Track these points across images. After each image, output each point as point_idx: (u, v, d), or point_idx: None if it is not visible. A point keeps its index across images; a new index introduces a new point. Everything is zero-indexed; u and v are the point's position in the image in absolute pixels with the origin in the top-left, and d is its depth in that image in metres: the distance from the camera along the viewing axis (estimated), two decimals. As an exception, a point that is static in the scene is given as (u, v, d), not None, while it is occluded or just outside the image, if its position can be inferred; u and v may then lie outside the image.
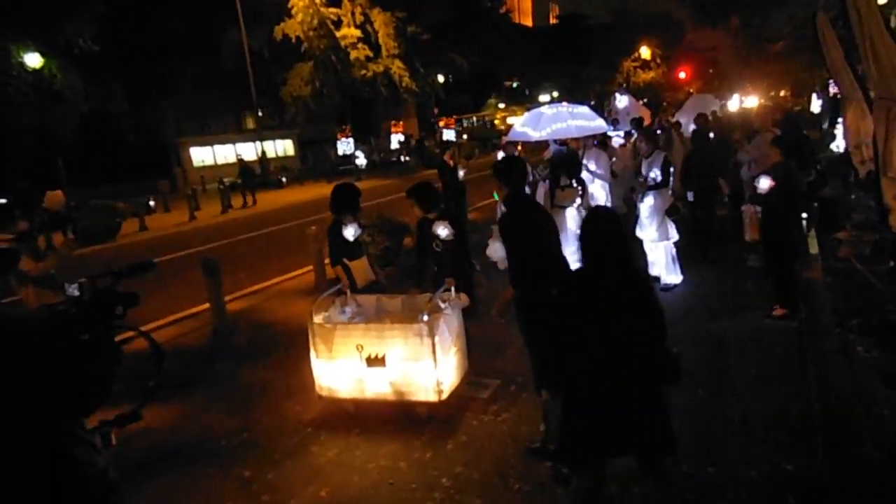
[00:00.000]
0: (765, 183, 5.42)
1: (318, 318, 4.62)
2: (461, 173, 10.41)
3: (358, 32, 28.14)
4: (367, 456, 4.00)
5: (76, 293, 2.09)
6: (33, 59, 20.57)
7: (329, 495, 3.63)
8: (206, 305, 7.16)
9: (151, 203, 21.40)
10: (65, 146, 25.11)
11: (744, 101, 29.58)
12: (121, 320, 2.10)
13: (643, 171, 6.88)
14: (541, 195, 6.89)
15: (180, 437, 4.59)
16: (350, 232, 4.95)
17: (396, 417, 4.34)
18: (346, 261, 5.00)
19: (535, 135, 9.05)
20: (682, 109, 20.52)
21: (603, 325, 2.61)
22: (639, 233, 6.99)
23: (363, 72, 28.61)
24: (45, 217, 5.95)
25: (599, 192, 8.16)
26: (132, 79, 27.63)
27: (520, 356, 5.31)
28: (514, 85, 56.16)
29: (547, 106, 11.15)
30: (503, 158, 6.15)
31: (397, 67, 28.95)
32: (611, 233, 2.69)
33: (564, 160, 7.34)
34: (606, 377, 2.60)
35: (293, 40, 27.28)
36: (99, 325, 2.04)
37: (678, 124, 15.76)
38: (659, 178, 6.71)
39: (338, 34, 27.98)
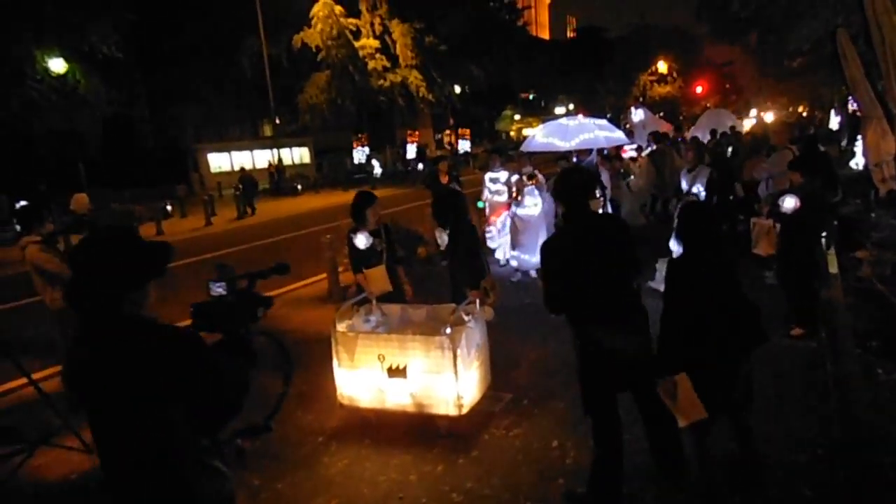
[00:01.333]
0: (790, 203, 5.31)
1: (341, 326, 4.60)
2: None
3: (376, 43, 28.40)
4: (378, 468, 3.97)
5: (223, 292, 1.98)
6: (57, 65, 20.94)
7: (339, 507, 3.61)
8: (220, 311, 7.18)
9: (168, 207, 21.62)
10: (86, 150, 25.50)
11: (763, 117, 29.40)
12: (257, 323, 2.04)
13: (685, 184, 6.78)
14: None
15: (191, 443, 4.59)
16: (360, 240, 4.95)
17: (410, 429, 4.31)
18: (363, 269, 5.02)
19: (564, 145, 9.15)
20: (697, 124, 20.45)
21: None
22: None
23: (380, 81, 28.83)
24: (70, 219, 6.00)
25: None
26: (153, 84, 28.06)
27: (534, 369, 5.28)
28: (531, 97, 56.29)
29: (565, 118, 11.22)
30: (561, 172, 5.89)
31: (414, 78, 29.15)
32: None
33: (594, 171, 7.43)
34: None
35: (312, 49, 27.54)
36: (242, 328, 1.99)
37: (694, 139, 15.71)
38: (703, 195, 6.61)
39: (356, 44, 28.26)
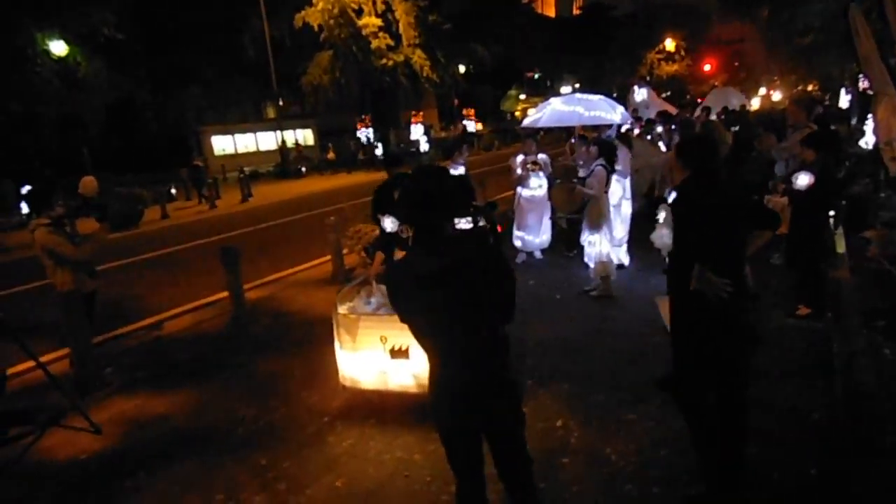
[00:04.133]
0: (804, 179, 5.23)
1: (342, 309, 4.60)
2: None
3: (379, 21, 28.03)
4: (383, 447, 3.99)
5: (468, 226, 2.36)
6: (58, 47, 20.81)
7: (345, 486, 3.63)
8: (225, 294, 7.21)
9: (173, 191, 21.62)
10: (90, 134, 25.45)
11: (771, 96, 29.03)
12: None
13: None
14: (594, 183, 6.73)
15: (197, 424, 4.63)
16: (388, 224, 4.94)
17: (413, 410, 4.32)
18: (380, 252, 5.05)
19: (587, 115, 9.12)
20: (704, 103, 20.22)
21: None
22: None
23: (384, 61, 28.52)
24: (79, 202, 6.00)
25: (615, 188, 7.92)
26: (155, 67, 27.88)
27: (538, 350, 5.29)
28: (536, 76, 55.70)
29: (578, 94, 11.24)
30: (691, 136, 5.41)
31: (418, 57, 28.83)
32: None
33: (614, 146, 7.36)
34: None
35: (314, 28, 27.26)
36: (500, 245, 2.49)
37: (685, 120, 15.51)
38: None
39: (359, 23, 27.91)
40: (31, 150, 25.46)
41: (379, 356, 4.34)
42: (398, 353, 4.27)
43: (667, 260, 3.47)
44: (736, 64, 51.37)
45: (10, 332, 4.24)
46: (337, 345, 4.55)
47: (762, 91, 44.41)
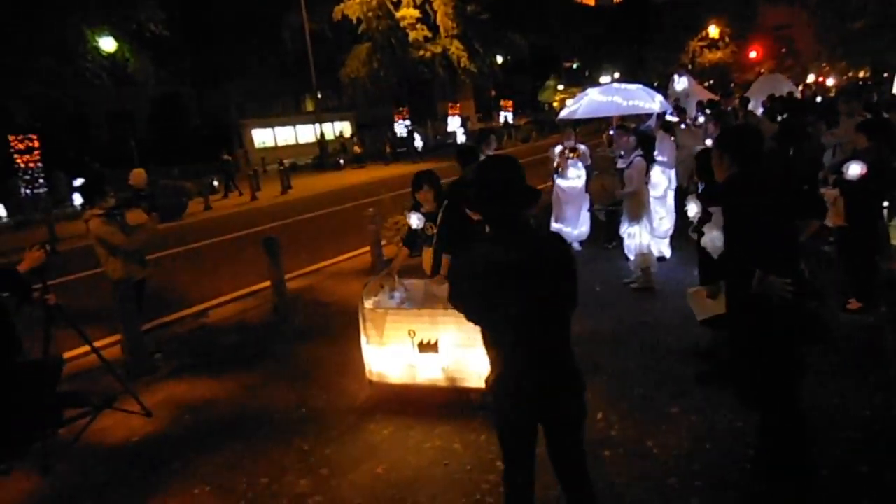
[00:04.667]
0: (856, 169, 5.02)
1: (368, 303, 4.59)
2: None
3: (417, 13, 28.08)
4: (422, 436, 4.03)
5: None
6: (108, 44, 21.47)
7: (385, 472, 3.69)
8: (267, 283, 7.36)
9: (215, 183, 22.10)
10: (136, 128, 26.24)
11: (823, 83, 28.00)
12: None
13: None
14: (634, 174, 6.62)
15: (242, 409, 4.76)
16: (413, 220, 4.96)
17: (448, 402, 4.35)
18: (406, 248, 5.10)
19: (625, 104, 8.99)
20: (751, 90, 19.62)
21: None
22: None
23: (421, 52, 28.58)
24: (130, 193, 6.20)
25: (661, 179, 7.80)
26: (198, 62, 28.53)
27: (575, 343, 5.24)
28: (574, 66, 54.95)
29: (616, 83, 11.08)
30: (735, 127, 5.22)
31: (455, 48, 28.79)
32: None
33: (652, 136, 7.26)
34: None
35: (353, 21, 27.46)
36: None
37: (745, 100, 15.01)
38: None
39: (397, 14, 28.00)
40: (81, 144, 26.40)
41: (407, 350, 4.33)
42: (427, 347, 4.25)
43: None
44: (783, 50, 49.73)
45: (66, 319, 4.42)
46: (363, 339, 4.53)
47: (811, 78, 42.87)
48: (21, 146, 20.27)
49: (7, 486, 3.99)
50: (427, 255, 5.14)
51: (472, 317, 2.47)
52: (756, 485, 3.19)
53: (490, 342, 2.47)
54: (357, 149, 31.04)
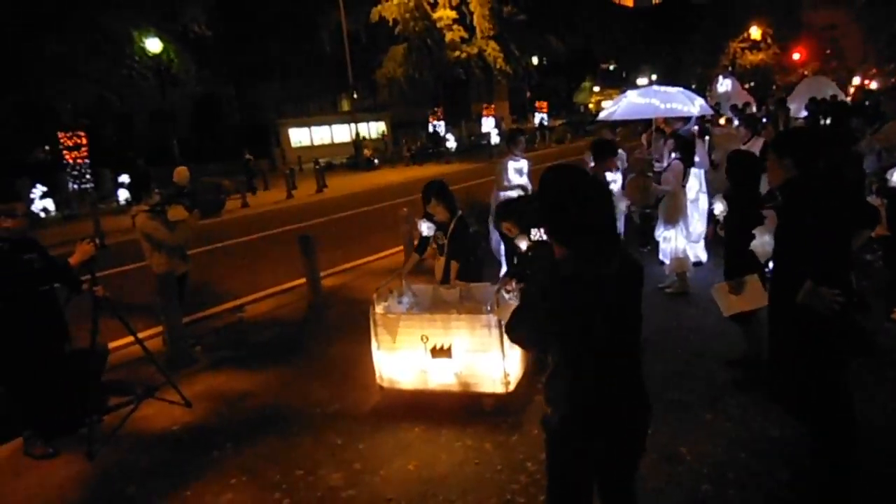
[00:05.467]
0: None
1: (380, 308, 4.55)
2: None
3: (454, 14, 28.17)
4: (454, 435, 4.07)
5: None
6: (154, 45, 22.11)
7: (417, 469, 3.73)
8: (302, 280, 7.50)
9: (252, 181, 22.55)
10: (177, 126, 26.94)
11: (868, 86, 27.15)
12: None
13: None
14: (671, 178, 6.54)
15: (277, 402, 4.86)
16: (423, 228, 5.01)
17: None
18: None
19: (663, 107, 8.90)
20: (794, 93, 19.15)
21: None
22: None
23: (457, 53, 28.65)
24: (173, 190, 6.41)
25: (692, 182, 7.62)
26: (238, 62, 29.12)
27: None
28: (611, 67, 54.36)
29: (655, 86, 10.97)
30: (795, 130, 5.14)
31: (492, 49, 28.79)
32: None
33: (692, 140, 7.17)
34: None
35: (389, 22, 27.68)
36: None
37: (783, 103, 14.70)
38: None
39: (433, 16, 28.12)
40: (125, 142, 27.22)
41: (419, 356, 4.31)
42: (440, 353, 4.24)
43: (769, 267, 3.31)
44: (828, 52, 48.33)
45: (112, 310, 4.59)
46: (374, 345, 4.50)
47: (856, 80, 41.60)
48: (70, 143, 21.03)
49: (55, 468, 4.16)
50: (438, 263, 5.19)
51: (541, 344, 2.25)
52: (795, 497, 3.14)
53: (562, 371, 2.19)
54: (367, 152, 30.88)
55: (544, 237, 4.21)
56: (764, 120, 10.41)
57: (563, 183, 2.16)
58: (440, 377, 4.33)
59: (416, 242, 5.44)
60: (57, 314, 4.41)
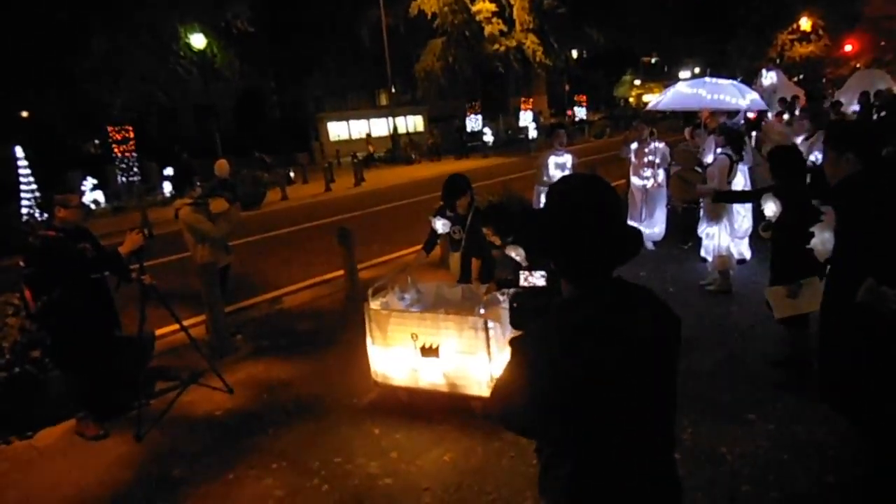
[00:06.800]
0: None
1: (374, 304, 4.52)
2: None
3: (493, 6, 27.97)
4: (490, 427, 4.06)
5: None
6: (199, 40, 22.62)
7: (452, 460, 3.77)
8: (340, 272, 7.60)
9: (291, 174, 22.91)
10: (221, 121, 27.54)
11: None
12: None
13: (804, 153, 6.28)
14: (716, 173, 6.38)
15: (316, 391, 4.96)
16: (438, 225, 5.00)
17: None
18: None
19: (708, 97, 8.74)
20: (845, 87, 18.46)
21: None
22: None
23: (496, 46, 28.47)
24: (216, 182, 6.56)
25: (738, 178, 7.41)
26: (279, 57, 29.56)
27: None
28: (653, 61, 53.30)
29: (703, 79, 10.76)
30: (857, 124, 4.93)
31: (531, 42, 28.51)
32: None
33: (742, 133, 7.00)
34: None
35: (428, 16, 27.68)
36: None
37: (838, 103, 14.23)
38: (819, 162, 6.11)
39: (472, 8, 28.00)
40: (171, 135, 27.97)
41: (410, 353, 4.28)
42: (428, 352, 4.20)
43: (827, 268, 3.20)
44: (882, 43, 46.38)
45: (159, 298, 4.74)
46: (368, 340, 4.51)
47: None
48: (118, 136, 21.71)
49: (106, 449, 4.34)
50: (454, 259, 5.15)
51: (543, 428, 1.56)
52: (840, 501, 3.06)
53: (569, 460, 1.53)
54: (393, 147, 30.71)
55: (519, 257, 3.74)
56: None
57: (580, 196, 1.55)
58: (430, 376, 4.29)
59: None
60: (108, 301, 4.59)
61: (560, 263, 1.57)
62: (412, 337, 4.26)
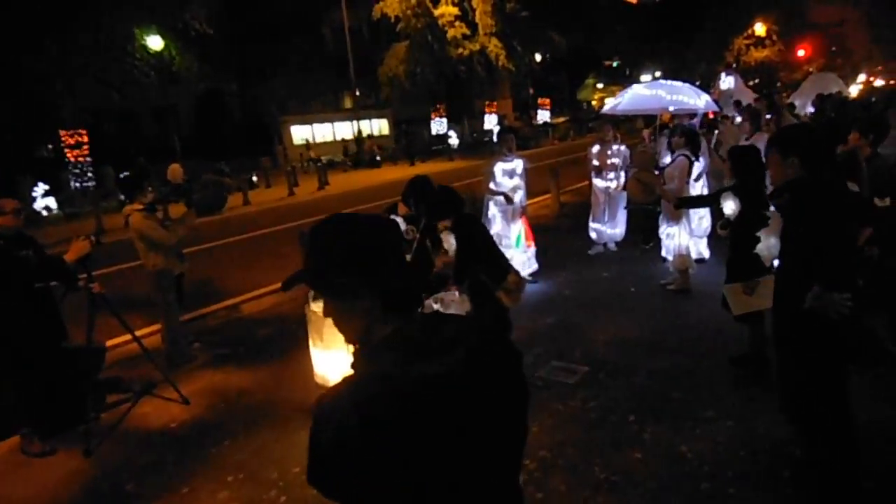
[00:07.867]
0: None
1: (314, 306, 4.45)
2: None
3: (455, 10, 28.09)
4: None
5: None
6: (155, 42, 22.10)
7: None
8: (303, 277, 7.45)
9: (254, 178, 22.55)
10: (181, 124, 26.95)
11: (872, 83, 26.98)
12: None
13: None
14: (675, 174, 6.45)
15: (276, 399, 4.83)
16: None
17: None
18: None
19: (667, 98, 8.84)
20: (800, 90, 19.06)
21: None
22: None
23: (459, 50, 28.57)
24: (168, 189, 6.37)
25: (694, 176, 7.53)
26: (241, 59, 29.10)
27: (611, 343, 5.19)
28: (615, 64, 54.19)
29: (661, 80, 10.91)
30: (802, 126, 4.88)
31: (494, 46, 28.69)
32: None
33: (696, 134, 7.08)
34: None
35: (392, 19, 27.63)
36: None
37: (792, 106, 14.66)
38: None
39: (435, 12, 28.05)
40: (127, 139, 27.25)
41: (347, 356, 4.21)
42: None
43: (773, 268, 3.22)
44: (833, 49, 48.10)
45: (109, 307, 4.56)
46: (310, 343, 4.44)
47: (861, 77, 41.37)
48: (71, 141, 21.04)
49: (53, 465, 4.15)
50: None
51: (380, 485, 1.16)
52: (794, 494, 3.10)
53: None
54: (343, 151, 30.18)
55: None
56: (768, 116, 10.28)
57: (353, 235, 1.31)
58: None
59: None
60: (54, 311, 4.39)
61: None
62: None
